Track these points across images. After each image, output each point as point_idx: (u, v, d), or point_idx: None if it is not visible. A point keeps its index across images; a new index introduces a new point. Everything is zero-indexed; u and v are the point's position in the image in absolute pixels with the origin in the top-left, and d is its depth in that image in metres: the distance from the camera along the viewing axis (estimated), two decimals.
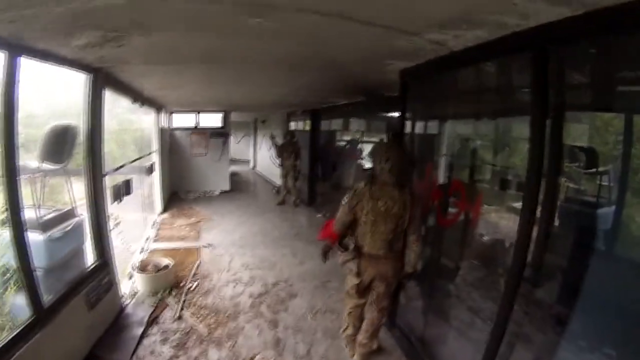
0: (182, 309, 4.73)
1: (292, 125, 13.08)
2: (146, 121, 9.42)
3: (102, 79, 4.08)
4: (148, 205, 8.73)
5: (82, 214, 4.60)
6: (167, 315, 4.61)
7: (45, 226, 4.08)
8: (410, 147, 4.24)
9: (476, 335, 3.49)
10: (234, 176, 14.33)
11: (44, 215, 4.17)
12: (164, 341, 4.09)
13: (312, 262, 6.21)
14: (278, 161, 10.79)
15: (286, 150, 10.43)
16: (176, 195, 11.75)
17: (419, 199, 3.34)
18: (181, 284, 5.42)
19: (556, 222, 3.12)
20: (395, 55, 3.41)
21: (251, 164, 20.23)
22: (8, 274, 3.83)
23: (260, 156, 17.66)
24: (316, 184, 11.01)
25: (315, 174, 10.96)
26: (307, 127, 11.39)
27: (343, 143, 11.51)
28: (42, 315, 3.11)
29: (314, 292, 5.33)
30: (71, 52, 3.17)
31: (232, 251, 6.95)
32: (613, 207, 3.53)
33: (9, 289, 3.87)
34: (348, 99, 7.92)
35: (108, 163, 4.72)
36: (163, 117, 10.46)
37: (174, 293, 5.14)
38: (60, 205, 4.78)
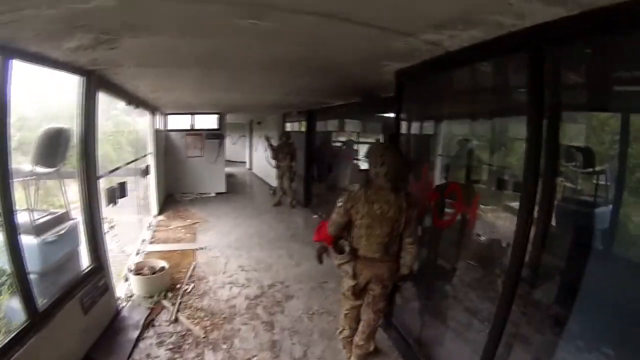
0: (177, 311, 4.70)
1: (288, 127, 13.06)
2: (141, 123, 9.40)
3: (95, 82, 4.05)
4: (144, 207, 8.70)
5: (76, 217, 4.57)
6: (163, 318, 4.59)
7: (39, 230, 4.06)
8: (406, 147, 4.23)
9: (474, 336, 3.48)
10: (229, 177, 14.29)
11: (38, 219, 4.15)
12: (160, 344, 4.06)
13: (309, 264, 6.18)
14: (274, 162, 10.76)
15: (282, 151, 10.40)
16: (172, 197, 11.72)
17: (415, 202, 3.31)
18: (177, 287, 5.40)
19: (553, 222, 3.11)
20: (391, 56, 3.40)
21: (247, 165, 20.22)
22: (2, 278, 3.81)
23: (256, 157, 17.63)
24: (312, 185, 11.00)
25: (311, 175, 10.96)
26: (303, 128, 11.40)
27: (339, 144, 11.50)
28: (36, 320, 3.09)
29: (310, 294, 5.32)
30: (63, 55, 3.15)
31: (228, 253, 6.93)
32: (610, 207, 3.53)
33: (3, 293, 3.85)
34: (344, 100, 7.91)
35: (105, 165, 4.70)
36: (158, 119, 10.43)
37: (169, 295, 5.12)
38: (54, 208, 4.76)
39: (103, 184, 4.72)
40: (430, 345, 3.81)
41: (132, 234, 7.55)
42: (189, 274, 5.87)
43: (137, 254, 6.69)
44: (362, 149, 10.31)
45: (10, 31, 2.40)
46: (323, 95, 7.20)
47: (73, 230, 4.54)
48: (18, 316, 3.16)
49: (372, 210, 3.24)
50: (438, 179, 4.77)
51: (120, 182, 5.51)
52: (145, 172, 8.44)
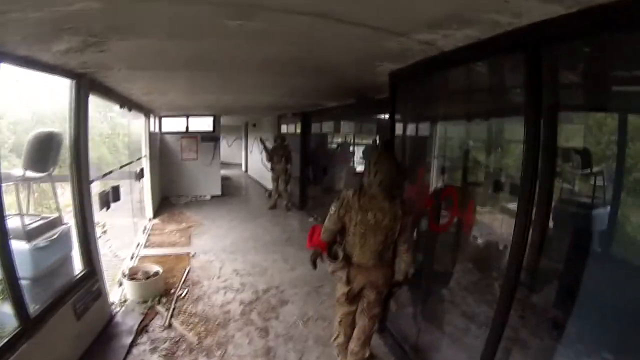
0: (171, 317, 4.65)
1: (283, 128, 13.04)
2: (136, 125, 9.36)
3: (86, 85, 4.00)
4: (138, 210, 8.65)
5: (68, 222, 4.52)
6: (157, 323, 4.54)
7: (30, 235, 4.01)
8: (401, 149, 4.20)
9: (471, 342, 3.45)
10: (225, 180, 14.24)
11: (30, 224, 4.10)
12: (154, 350, 4.02)
13: (304, 268, 6.09)
14: (269, 165, 10.74)
15: (277, 153, 10.40)
16: (167, 201, 11.67)
17: (410, 209, 3.26)
18: (171, 291, 5.35)
19: (551, 224, 3.08)
20: (384, 57, 3.37)
21: (243, 168, 20.20)
22: None
23: (252, 159, 17.59)
24: (307, 188, 10.99)
25: (306, 177, 10.94)
26: (298, 130, 11.37)
27: (334, 146, 11.48)
28: (28, 326, 3.06)
29: (305, 299, 5.28)
30: (53, 58, 3.12)
31: (222, 257, 6.88)
32: (608, 208, 3.50)
33: None
34: (338, 102, 7.88)
35: (101, 168, 4.65)
36: (152, 121, 10.37)
37: (163, 300, 5.06)
38: (50, 211, 4.72)
39: (97, 188, 4.67)
40: (427, 350, 3.78)
41: (127, 238, 7.50)
42: (183, 278, 5.82)
43: (132, 258, 6.63)
44: (357, 151, 10.30)
45: None
46: (317, 96, 7.18)
47: (65, 235, 4.49)
48: (11, 321, 3.11)
49: (366, 219, 3.19)
50: (434, 181, 4.73)
51: (114, 186, 5.45)
52: (140, 175, 8.38)
